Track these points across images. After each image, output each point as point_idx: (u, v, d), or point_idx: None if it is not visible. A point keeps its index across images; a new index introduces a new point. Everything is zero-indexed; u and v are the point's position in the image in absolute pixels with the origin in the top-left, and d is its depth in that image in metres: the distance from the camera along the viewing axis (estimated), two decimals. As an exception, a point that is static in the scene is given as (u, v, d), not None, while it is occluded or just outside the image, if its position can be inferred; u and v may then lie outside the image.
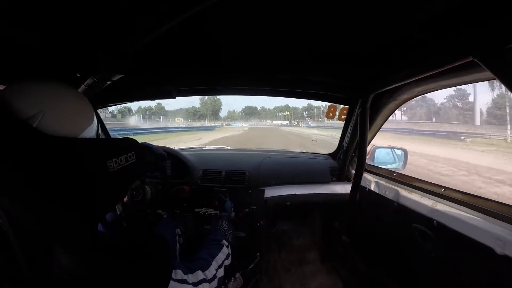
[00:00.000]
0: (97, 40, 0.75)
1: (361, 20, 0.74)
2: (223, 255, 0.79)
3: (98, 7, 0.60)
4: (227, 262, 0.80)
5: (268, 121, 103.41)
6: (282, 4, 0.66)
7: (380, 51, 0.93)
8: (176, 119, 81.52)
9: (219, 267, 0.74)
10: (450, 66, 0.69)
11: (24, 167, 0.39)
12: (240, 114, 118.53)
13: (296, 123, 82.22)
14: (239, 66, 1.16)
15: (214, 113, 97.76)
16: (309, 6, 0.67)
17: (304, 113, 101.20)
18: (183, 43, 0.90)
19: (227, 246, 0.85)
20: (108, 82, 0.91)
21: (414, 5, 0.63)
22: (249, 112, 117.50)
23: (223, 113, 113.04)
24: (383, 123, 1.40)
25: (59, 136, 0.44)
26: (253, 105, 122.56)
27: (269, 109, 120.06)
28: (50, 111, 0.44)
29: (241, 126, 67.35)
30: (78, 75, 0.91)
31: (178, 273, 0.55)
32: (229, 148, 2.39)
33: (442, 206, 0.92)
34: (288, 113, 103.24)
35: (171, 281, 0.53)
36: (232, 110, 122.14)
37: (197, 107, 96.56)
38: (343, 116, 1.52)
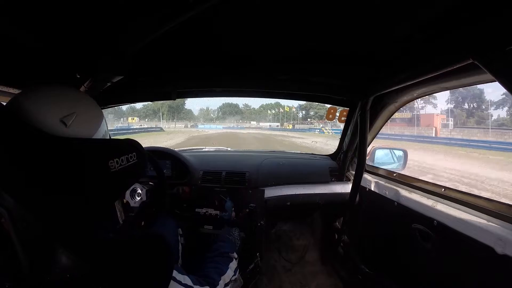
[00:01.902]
0: (97, 41, 0.74)
1: (361, 22, 0.74)
2: (231, 271, 0.79)
3: (98, 7, 0.60)
4: (234, 277, 0.80)
5: (253, 123, 77.48)
6: (282, 5, 0.66)
7: (381, 52, 0.93)
8: (130, 118, 64.00)
9: (226, 285, 0.74)
10: (450, 68, 0.69)
11: (27, 166, 0.39)
12: (217, 113, 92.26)
13: (290, 126, 57.48)
14: (238, 67, 1.15)
15: (173, 111, 75.75)
16: (309, 7, 0.67)
17: (300, 114, 73.77)
18: (183, 44, 0.90)
19: (236, 259, 0.85)
20: (108, 84, 0.91)
21: (413, 7, 0.64)
22: (228, 111, 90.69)
23: (195, 112, 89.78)
24: (383, 125, 1.41)
25: (63, 136, 0.44)
26: (234, 102, 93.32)
27: (254, 108, 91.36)
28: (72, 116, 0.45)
29: (190, 130, 45.05)
30: (78, 76, 0.91)
31: (187, 279, 0.56)
32: (229, 149, 2.39)
33: (442, 206, 0.92)
34: (288, 109, 69.98)
35: (179, 285, 0.53)
36: (205, 108, 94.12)
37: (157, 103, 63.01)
38: (343, 118, 1.53)
